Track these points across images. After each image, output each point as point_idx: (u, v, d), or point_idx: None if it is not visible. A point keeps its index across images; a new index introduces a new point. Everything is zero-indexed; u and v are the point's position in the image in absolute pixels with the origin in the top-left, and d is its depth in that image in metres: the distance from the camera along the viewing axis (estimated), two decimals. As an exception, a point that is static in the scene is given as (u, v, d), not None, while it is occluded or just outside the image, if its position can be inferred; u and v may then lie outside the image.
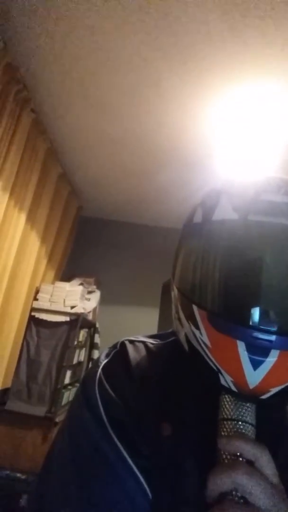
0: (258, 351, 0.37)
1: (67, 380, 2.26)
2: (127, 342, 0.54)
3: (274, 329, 0.37)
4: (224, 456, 0.36)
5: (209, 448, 0.38)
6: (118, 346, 0.53)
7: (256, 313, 0.38)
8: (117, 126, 1.99)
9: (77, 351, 2.49)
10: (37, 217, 2.21)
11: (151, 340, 0.55)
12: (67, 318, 2.32)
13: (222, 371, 0.39)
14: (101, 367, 0.50)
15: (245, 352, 0.37)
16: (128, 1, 1.27)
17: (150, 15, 1.31)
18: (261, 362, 0.37)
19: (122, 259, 3.19)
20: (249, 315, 0.38)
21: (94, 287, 2.84)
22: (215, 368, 0.40)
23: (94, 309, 2.79)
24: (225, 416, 0.39)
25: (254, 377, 0.38)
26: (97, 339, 2.84)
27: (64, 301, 2.36)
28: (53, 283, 2.53)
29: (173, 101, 1.75)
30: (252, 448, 0.35)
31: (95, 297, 2.77)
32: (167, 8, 1.27)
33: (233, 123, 1.83)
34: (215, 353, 0.40)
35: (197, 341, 0.42)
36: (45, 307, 2.33)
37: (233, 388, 0.39)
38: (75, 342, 2.34)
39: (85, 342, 2.71)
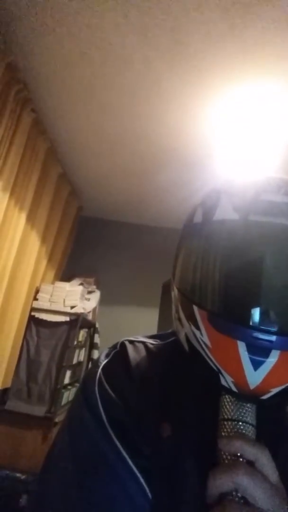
0: (259, 352, 0.37)
1: (66, 380, 2.26)
2: (127, 343, 0.54)
3: (274, 329, 0.37)
4: (224, 457, 0.36)
5: (209, 448, 0.38)
6: (118, 346, 0.53)
7: (256, 313, 0.38)
8: (117, 126, 1.99)
9: (77, 351, 2.49)
10: (37, 217, 2.21)
11: (151, 341, 0.55)
12: (67, 318, 2.32)
13: (223, 371, 0.39)
14: (101, 367, 0.50)
15: (246, 353, 0.37)
16: (128, 1, 1.27)
17: (150, 15, 1.31)
18: (261, 363, 0.37)
19: (122, 259, 3.18)
20: (249, 315, 0.38)
21: (94, 287, 2.84)
22: (215, 368, 0.40)
23: (94, 309, 2.79)
24: (225, 416, 0.39)
25: (254, 378, 0.38)
26: (97, 339, 2.84)
27: (64, 301, 2.36)
28: (53, 283, 2.53)
29: (173, 101, 1.75)
30: (252, 448, 0.35)
31: (95, 297, 2.77)
32: (167, 8, 1.27)
33: (233, 123, 1.83)
34: (216, 353, 0.40)
35: (198, 341, 0.42)
36: (45, 307, 2.33)
37: (234, 389, 0.39)
38: (75, 342, 2.34)
39: (85, 342, 2.71)
